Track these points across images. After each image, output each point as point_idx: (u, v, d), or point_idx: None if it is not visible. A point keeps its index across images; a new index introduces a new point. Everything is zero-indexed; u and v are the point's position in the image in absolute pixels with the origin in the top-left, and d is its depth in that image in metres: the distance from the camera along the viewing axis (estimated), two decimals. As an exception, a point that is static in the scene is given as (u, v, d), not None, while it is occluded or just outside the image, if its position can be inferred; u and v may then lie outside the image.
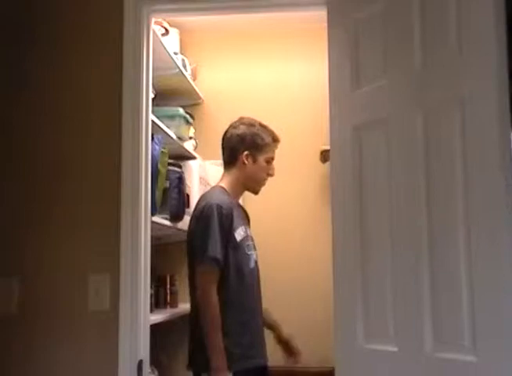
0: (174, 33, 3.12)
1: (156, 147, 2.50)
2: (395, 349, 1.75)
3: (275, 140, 2.64)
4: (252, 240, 2.58)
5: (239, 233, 2.45)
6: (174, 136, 2.90)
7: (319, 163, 3.31)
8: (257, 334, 2.48)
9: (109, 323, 2.03)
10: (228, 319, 2.33)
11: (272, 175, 2.62)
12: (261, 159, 2.57)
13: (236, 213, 2.49)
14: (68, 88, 2.19)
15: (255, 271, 2.54)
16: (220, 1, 2.27)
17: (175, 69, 2.97)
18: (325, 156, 3.18)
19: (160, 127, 2.61)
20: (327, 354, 2.16)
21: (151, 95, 2.27)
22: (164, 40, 2.77)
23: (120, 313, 2.03)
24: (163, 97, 2.91)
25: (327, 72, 2.09)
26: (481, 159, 1.59)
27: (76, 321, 2.07)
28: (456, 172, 1.64)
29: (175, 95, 3.24)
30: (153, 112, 2.31)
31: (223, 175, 2.63)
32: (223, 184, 2.59)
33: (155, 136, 2.47)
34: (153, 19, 2.31)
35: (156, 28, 2.55)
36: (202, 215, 2.43)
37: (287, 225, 3.41)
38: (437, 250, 1.67)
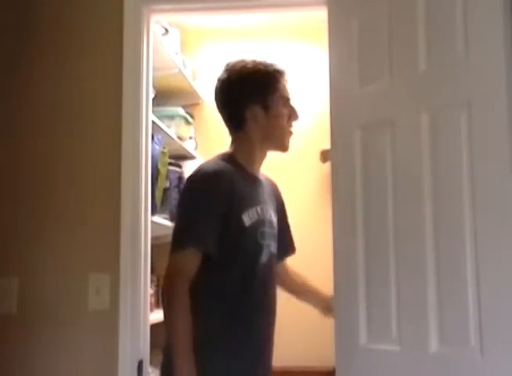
0: (174, 33, 3.12)
1: (156, 147, 2.50)
2: (398, 349, 1.75)
3: (281, 73, 1.96)
4: (272, 225, 1.91)
5: (249, 215, 1.79)
6: (175, 136, 2.90)
7: (319, 163, 3.31)
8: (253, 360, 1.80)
9: (109, 323, 2.03)
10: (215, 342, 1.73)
11: (295, 118, 1.95)
12: (274, 104, 1.91)
13: (245, 187, 1.84)
14: (68, 88, 2.19)
15: (268, 268, 1.86)
16: (220, 1, 2.27)
17: (175, 69, 2.97)
18: (325, 156, 3.19)
19: (160, 127, 2.61)
20: (327, 354, 2.16)
21: (151, 95, 2.27)
22: (164, 40, 2.77)
23: (121, 313, 2.03)
24: (163, 97, 2.91)
25: (327, 71, 2.08)
26: (488, 161, 1.58)
27: (76, 321, 2.07)
28: (462, 175, 1.63)
29: (175, 95, 3.24)
30: (153, 112, 2.31)
31: (231, 144, 1.99)
32: (231, 151, 1.95)
33: (155, 136, 2.47)
34: (153, 19, 2.31)
35: (156, 28, 2.55)
36: (186, 188, 1.85)
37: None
38: (442, 249, 1.66)
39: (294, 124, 1.98)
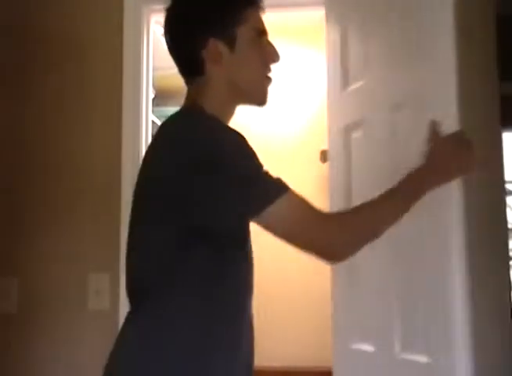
0: (174, 33, 3.13)
1: (156, 147, 2.50)
2: (373, 350, 1.77)
3: (253, 1, 1.34)
4: None
5: None
6: (174, 136, 2.90)
7: (319, 163, 3.31)
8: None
9: (109, 322, 2.03)
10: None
11: (275, 60, 1.35)
12: (243, 39, 1.32)
13: None
14: (68, 89, 2.19)
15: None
16: (220, 1, 2.27)
17: (175, 69, 2.97)
18: (325, 156, 3.19)
19: (160, 127, 2.61)
20: (326, 354, 2.17)
21: (151, 95, 2.27)
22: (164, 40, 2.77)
23: (121, 313, 2.03)
24: (163, 97, 2.92)
25: (325, 71, 2.09)
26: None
27: (76, 321, 2.07)
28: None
29: (175, 95, 3.24)
30: (153, 112, 2.32)
31: (187, 95, 1.42)
32: (194, 103, 1.34)
33: (155, 136, 2.47)
34: (153, 19, 2.31)
35: (156, 28, 2.55)
36: (221, 141, 1.19)
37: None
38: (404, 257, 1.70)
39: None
